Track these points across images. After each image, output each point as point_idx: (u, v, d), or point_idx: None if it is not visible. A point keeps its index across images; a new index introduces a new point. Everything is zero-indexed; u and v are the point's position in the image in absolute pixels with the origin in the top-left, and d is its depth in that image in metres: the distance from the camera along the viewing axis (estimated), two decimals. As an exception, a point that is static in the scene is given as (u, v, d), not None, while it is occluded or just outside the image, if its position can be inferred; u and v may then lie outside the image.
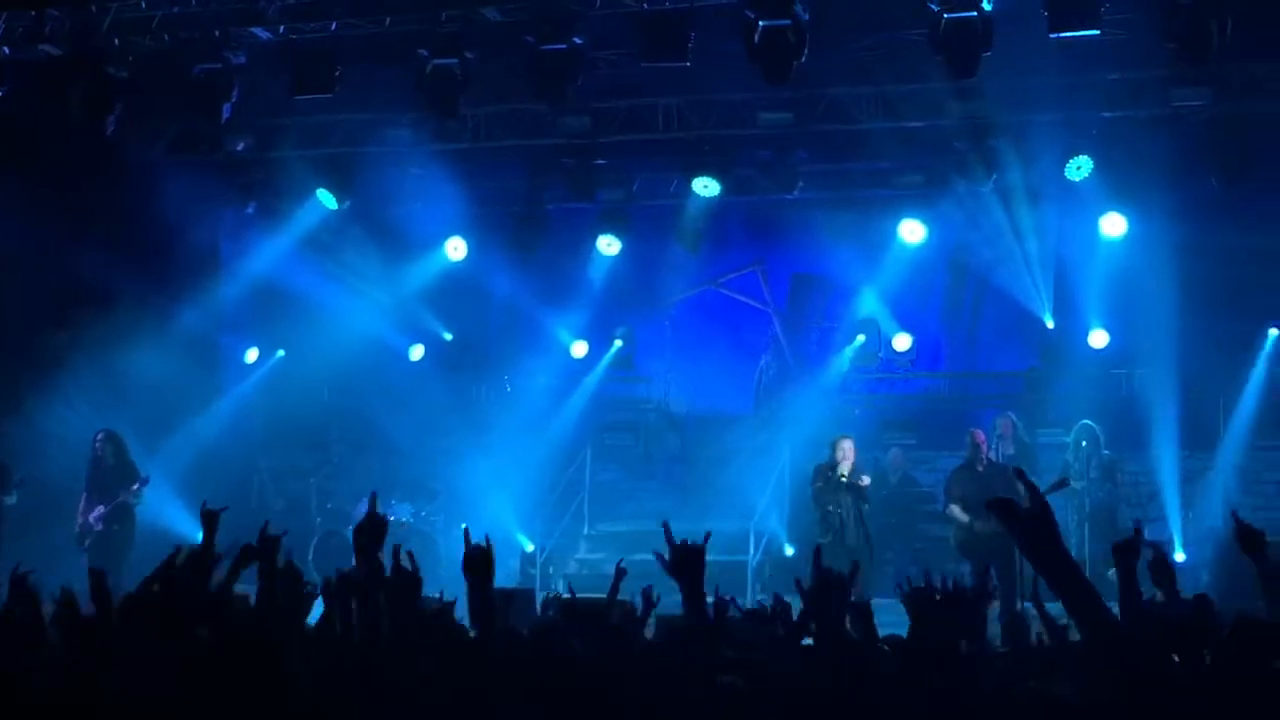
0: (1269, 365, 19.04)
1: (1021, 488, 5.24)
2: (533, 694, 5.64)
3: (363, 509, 18.70)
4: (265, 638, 5.74)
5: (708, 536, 6.32)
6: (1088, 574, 15.69)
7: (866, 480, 16.80)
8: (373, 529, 6.16)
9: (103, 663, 5.84)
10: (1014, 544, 14.07)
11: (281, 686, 5.47)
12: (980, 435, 17.29)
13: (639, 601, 9.45)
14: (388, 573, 6.20)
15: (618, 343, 21.89)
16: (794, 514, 19.31)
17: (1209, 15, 13.94)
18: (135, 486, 17.19)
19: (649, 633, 8.40)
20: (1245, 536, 6.81)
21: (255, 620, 6.22)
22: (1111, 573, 17.50)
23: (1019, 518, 4.89)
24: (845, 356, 21.15)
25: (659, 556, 6.18)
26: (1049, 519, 4.87)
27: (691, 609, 6.07)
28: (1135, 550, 6.36)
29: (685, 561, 6.06)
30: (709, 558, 6.58)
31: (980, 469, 16.94)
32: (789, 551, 18.82)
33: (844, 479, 16.59)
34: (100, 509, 17.13)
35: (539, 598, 15.21)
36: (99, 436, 17.44)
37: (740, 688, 6.08)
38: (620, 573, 10.27)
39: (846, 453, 16.75)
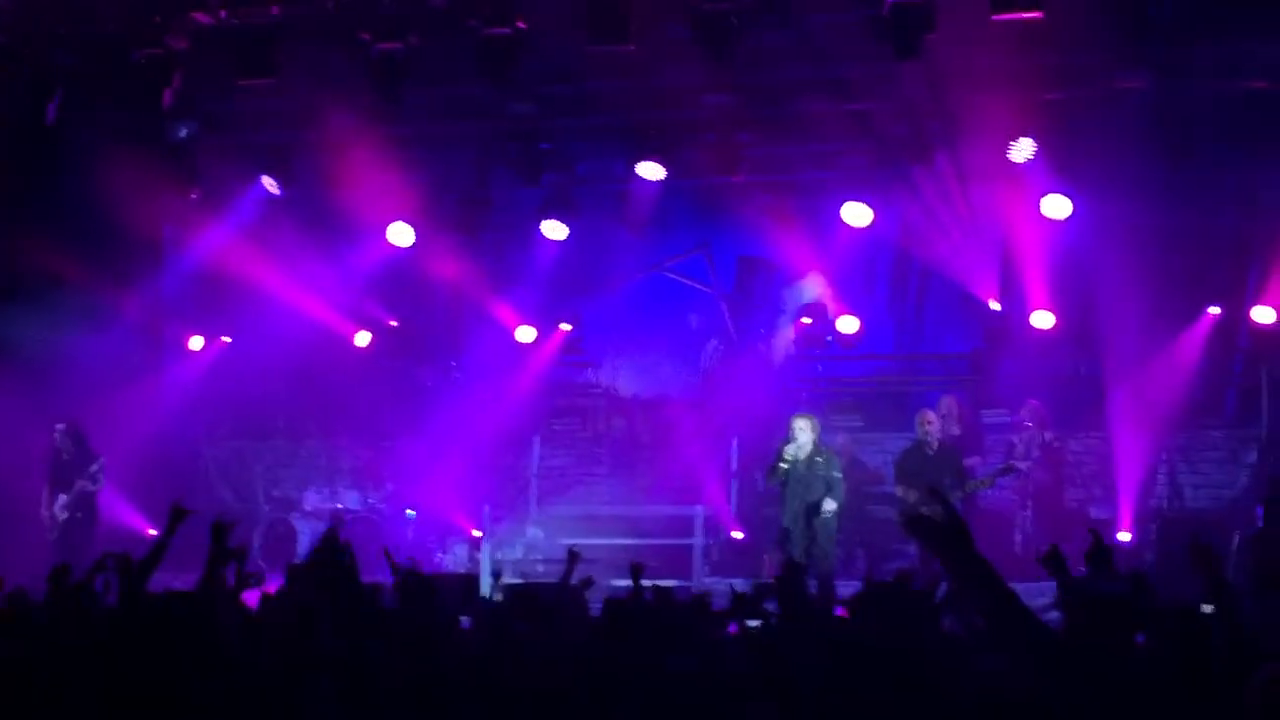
0: (1208, 345, 19.18)
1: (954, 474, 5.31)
2: (479, 679, 5.67)
3: (310, 499, 18.66)
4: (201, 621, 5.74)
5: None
6: (1032, 554, 15.77)
7: (831, 507, 16.25)
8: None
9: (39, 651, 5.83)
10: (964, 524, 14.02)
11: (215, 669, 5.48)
12: (930, 416, 17.37)
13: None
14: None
15: (565, 327, 21.88)
16: (741, 497, 19.38)
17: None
18: (93, 469, 17.45)
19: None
20: (1197, 554, 6.90)
21: (191, 605, 6.22)
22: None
23: (934, 534, 4.93)
24: (791, 339, 21.21)
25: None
26: (963, 531, 4.91)
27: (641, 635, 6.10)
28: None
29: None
30: (656, 541, 6.63)
31: (930, 451, 17.03)
32: (737, 535, 18.85)
33: (784, 464, 16.37)
34: (63, 498, 17.39)
35: (488, 582, 15.25)
36: (58, 429, 17.88)
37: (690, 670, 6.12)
38: (574, 557, 10.33)
39: (794, 434, 16.49)
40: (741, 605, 7.25)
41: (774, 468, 16.40)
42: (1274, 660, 4.81)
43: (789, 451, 16.26)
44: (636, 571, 9.74)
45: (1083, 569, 8.19)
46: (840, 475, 16.48)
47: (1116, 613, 5.96)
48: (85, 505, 17.70)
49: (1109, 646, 5.74)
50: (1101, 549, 6.49)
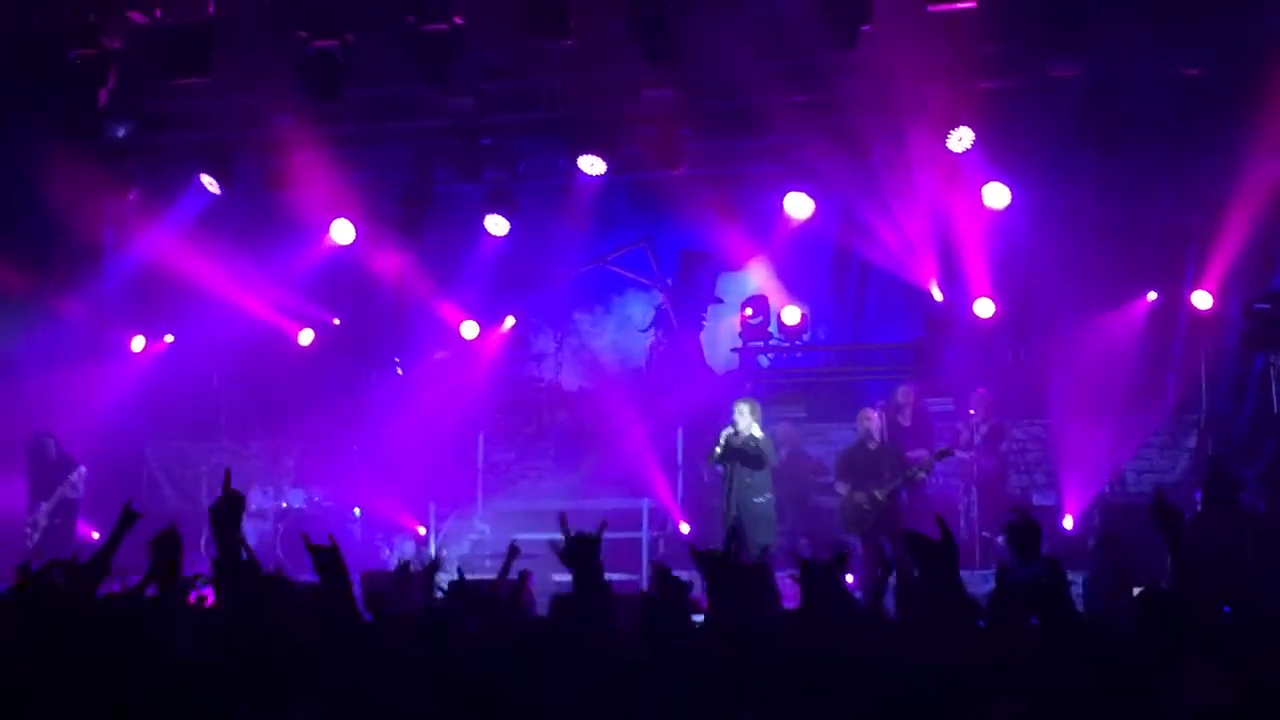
0: (1148, 331, 19.34)
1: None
2: (424, 674, 5.67)
3: (255, 498, 18.56)
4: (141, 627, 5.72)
5: (603, 526, 6.34)
6: (975, 538, 15.90)
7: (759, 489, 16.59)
8: (229, 509, 6.07)
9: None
10: (903, 518, 14.22)
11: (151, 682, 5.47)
12: (870, 414, 17.40)
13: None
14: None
15: (508, 322, 21.87)
16: (687, 489, 19.42)
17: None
18: (73, 477, 17.94)
19: (541, 610, 8.44)
20: (1161, 514, 6.96)
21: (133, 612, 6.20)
22: (1000, 539, 17.69)
23: (926, 552, 5.01)
24: (735, 331, 21.26)
25: (553, 546, 6.24)
26: (952, 558, 4.99)
27: (583, 598, 6.12)
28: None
29: (578, 552, 6.12)
30: (603, 534, 6.64)
31: (872, 447, 17.06)
32: (684, 529, 18.88)
33: (719, 448, 16.54)
34: (44, 506, 18.00)
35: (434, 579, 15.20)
36: (41, 437, 18.31)
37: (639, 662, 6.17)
38: (514, 552, 10.32)
39: (734, 417, 16.63)
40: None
41: (712, 451, 16.57)
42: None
43: (724, 434, 16.42)
44: (513, 552, 9.83)
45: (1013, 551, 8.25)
46: (771, 456, 16.63)
47: (1030, 598, 6.08)
48: (64, 513, 18.06)
49: (1014, 629, 5.85)
50: (1025, 529, 6.54)
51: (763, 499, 16.47)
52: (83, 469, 18.14)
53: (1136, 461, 18.96)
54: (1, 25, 15.94)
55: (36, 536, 17.87)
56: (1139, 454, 19.00)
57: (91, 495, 18.22)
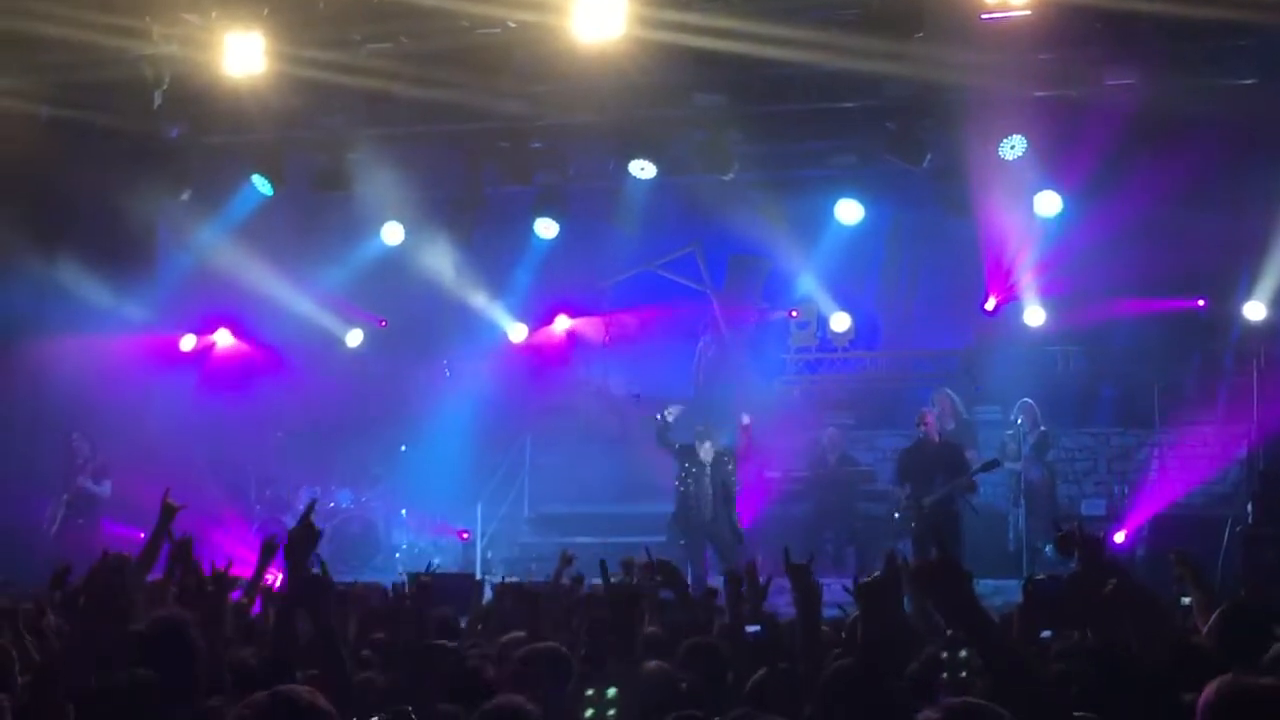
0: (1198, 340, 19.24)
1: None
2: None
3: (303, 496, 18.63)
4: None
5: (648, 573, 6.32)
6: (1024, 548, 15.85)
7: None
8: (304, 540, 5.96)
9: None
10: (953, 525, 14.07)
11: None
12: (927, 416, 17.35)
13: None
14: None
15: (557, 325, 21.91)
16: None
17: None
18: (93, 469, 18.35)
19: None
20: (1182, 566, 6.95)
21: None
22: (1049, 548, 17.62)
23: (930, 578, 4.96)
24: (783, 337, 21.23)
25: (594, 591, 6.19)
26: (960, 575, 4.92)
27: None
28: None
29: (618, 602, 6.01)
30: (649, 538, 6.68)
31: (929, 449, 16.99)
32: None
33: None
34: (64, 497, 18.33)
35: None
36: (74, 435, 18.65)
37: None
38: (566, 559, 10.37)
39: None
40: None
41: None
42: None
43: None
44: (565, 559, 9.94)
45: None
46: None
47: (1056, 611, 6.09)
48: (86, 508, 18.26)
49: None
50: (1082, 541, 6.44)
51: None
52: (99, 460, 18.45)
53: (1186, 472, 18.83)
54: (57, 28, 15.99)
55: (53, 529, 18.10)
56: (1189, 464, 18.87)
57: (139, 494, 18.31)
